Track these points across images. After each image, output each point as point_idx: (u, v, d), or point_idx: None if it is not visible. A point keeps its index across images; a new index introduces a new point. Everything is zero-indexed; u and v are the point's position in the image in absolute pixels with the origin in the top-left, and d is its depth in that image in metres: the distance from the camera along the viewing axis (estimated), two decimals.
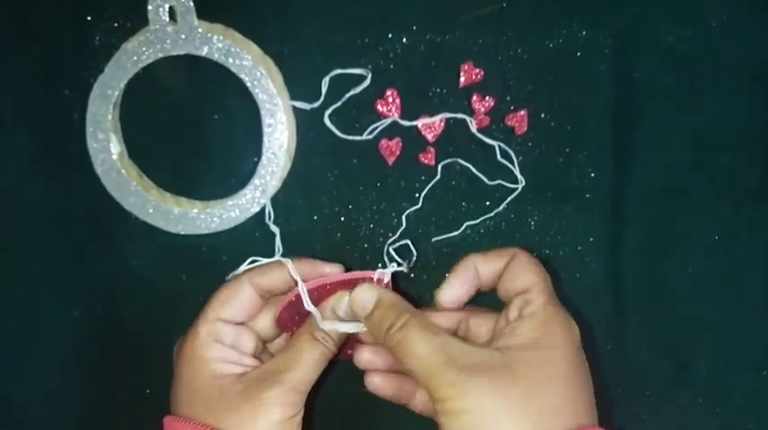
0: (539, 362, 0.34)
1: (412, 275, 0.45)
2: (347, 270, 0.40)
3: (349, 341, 0.41)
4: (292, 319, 0.40)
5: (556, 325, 0.36)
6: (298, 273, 0.39)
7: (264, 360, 0.40)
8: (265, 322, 0.41)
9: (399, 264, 0.41)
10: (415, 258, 0.43)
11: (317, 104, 0.43)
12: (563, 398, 0.34)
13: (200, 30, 0.42)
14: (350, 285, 0.39)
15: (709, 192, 0.44)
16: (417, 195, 0.44)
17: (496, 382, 0.33)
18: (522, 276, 0.37)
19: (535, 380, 0.33)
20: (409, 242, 0.44)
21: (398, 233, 0.44)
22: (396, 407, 0.41)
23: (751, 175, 0.44)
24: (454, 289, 0.39)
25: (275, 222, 0.44)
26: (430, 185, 0.44)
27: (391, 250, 0.43)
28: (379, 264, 0.44)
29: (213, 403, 0.36)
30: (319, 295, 0.40)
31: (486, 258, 0.39)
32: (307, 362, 0.37)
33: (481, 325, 0.39)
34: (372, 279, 0.39)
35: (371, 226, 0.45)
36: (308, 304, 0.39)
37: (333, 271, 0.40)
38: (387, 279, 0.39)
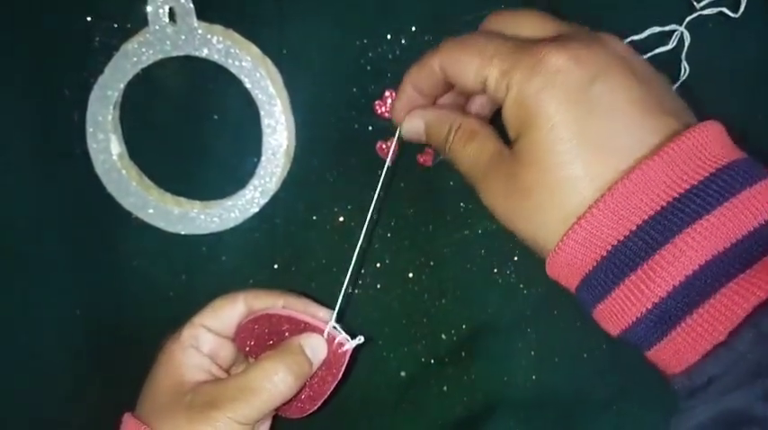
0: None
1: (411, 275, 0.45)
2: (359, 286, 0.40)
3: (298, 395, 0.39)
4: (250, 339, 0.39)
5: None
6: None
7: None
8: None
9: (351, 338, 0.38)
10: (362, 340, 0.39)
11: None
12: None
13: (199, 31, 0.42)
14: (309, 330, 0.38)
15: None
16: (416, 196, 0.44)
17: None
18: (466, 66, 0.32)
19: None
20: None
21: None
22: (394, 408, 0.41)
23: None
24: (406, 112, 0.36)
25: (273, 221, 0.44)
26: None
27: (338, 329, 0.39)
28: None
29: (163, 407, 0.36)
30: (272, 323, 0.39)
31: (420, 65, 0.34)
32: (256, 398, 0.36)
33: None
34: (324, 331, 0.38)
35: (371, 227, 0.45)
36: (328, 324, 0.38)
37: (324, 316, 0.39)
38: (347, 347, 0.37)
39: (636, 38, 0.41)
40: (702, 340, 0.27)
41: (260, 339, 0.39)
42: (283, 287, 0.45)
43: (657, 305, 0.27)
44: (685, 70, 0.42)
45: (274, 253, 0.45)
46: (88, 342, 0.47)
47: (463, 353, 0.45)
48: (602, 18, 0.41)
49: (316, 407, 0.40)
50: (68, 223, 0.46)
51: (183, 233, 0.45)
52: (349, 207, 0.45)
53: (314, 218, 0.45)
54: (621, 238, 0.28)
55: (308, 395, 0.39)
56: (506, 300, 0.45)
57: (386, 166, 0.40)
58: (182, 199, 0.46)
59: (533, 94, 0.29)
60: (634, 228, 0.27)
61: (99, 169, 0.45)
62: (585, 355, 0.45)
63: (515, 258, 0.45)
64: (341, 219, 0.45)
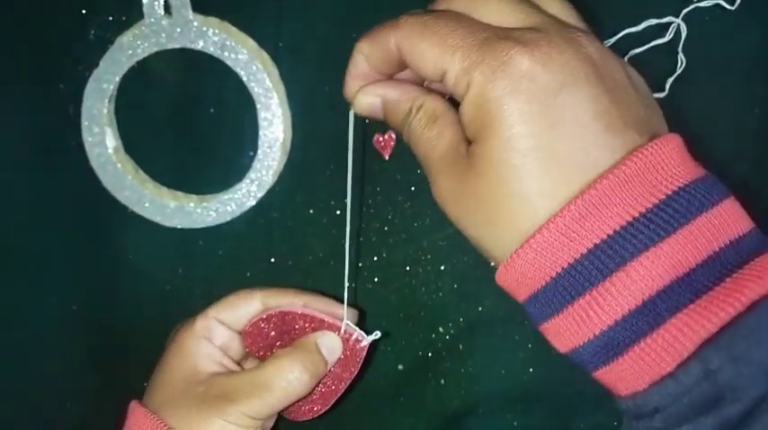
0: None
1: (408, 269, 0.45)
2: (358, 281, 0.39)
3: (310, 395, 0.39)
4: (259, 339, 0.40)
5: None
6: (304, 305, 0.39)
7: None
8: None
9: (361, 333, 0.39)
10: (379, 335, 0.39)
11: None
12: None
13: (195, 23, 0.42)
14: (323, 327, 0.38)
15: None
16: (413, 189, 0.44)
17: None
18: (424, 61, 0.29)
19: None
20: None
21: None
22: (391, 401, 0.41)
23: (739, 170, 0.45)
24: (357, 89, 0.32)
25: (270, 215, 0.44)
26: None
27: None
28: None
29: (174, 396, 0.36)
30: (284, 322, 0.39)
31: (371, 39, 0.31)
32: (271, 395, 0.36)
33: None
34: (340, 328, 0.38)
35: (368, 220, 0.45)
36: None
37: (342, 313, 0.39)
38: (364, 343, 0.38)
39: (633, 30, 0.41)
40: (649, 370, 0.26)
41: (268, 339, 0.39)
42: (280, 281, 0.45)
43: (605, 332, 0.26)
44: (682, 62, 0.42)
45: (271, 246, 0.45)
46: (84, 336, 0.47)
47: (460, 347, 0.45)
48: (598, 9, 0.41)
49: (327, 408, 0.40)
50: (63, 217, 0.46)
51: (179, 227, 0.45)
52: (346, 200, 0.45)
53: (311, 211, 0.45)
54: (572, 261, 0.26)
55: (321, 393, 0.39)
56: (503, 293, 0.45)
57: (350, 152, 0.36)
58: (178, 192, 0.45)
59: (494, 98, 0.26)
60: (585, 251, 0.26)
61: (94, 163, 0.45)
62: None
63: None
64: (338, 212, 0.45)
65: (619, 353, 0.26)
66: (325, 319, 0.38)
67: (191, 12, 0.42)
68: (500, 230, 0.27)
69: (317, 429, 0.45)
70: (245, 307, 0.39)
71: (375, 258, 0.45)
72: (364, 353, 0.38)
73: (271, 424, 0.41)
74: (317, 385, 0.38)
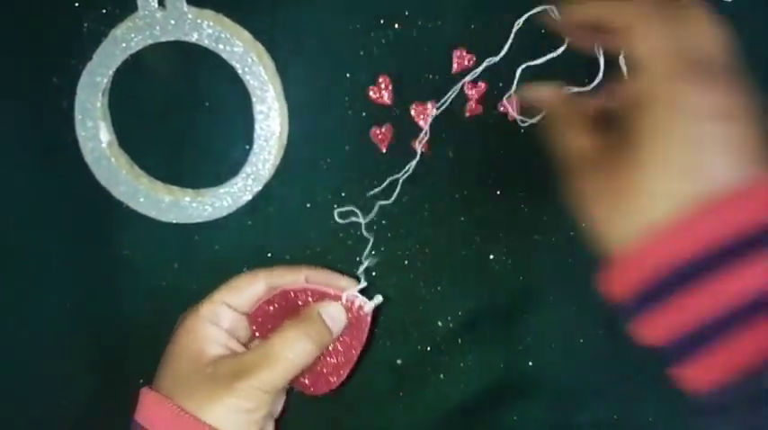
0: None
1: (406, 262, 0.45)
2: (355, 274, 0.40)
3: (310, 370, 0.40)
4: (266, 319, 0.40)
5: None
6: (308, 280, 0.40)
7: None
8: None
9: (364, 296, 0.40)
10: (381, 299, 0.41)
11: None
12: None
13: (189, 16, 0.42)
14: (327, 298, 0.39)
15: None
16: (410, 182, 0.44)
17: None
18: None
19: None
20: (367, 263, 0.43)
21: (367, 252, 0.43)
22: (390, 395, 0.41)
23: None
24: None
25: (266, 209, 0.44)
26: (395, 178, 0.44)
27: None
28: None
29: (183, 378, 0.37)
30: (287, 299, 0.39)
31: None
32: (279, 364, 0.37)
33: None
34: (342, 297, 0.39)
35: (365, 214, 0.44)
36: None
37: (347, 285, 0.40)
38: (368, 309, 0.39)
39: None
40: (730, 368, 0.28)
41: (275, 319, 0.39)
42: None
43: (701, 327, 0.28)
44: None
45: (268, 241, 0.45)
46: (79, 332, 0.47)
47: (459, 340, 0.45)
48: None
49: (343, 378, 0.40)
50: (57, 213, 0.46)
51: (174, 222, 0.45)
52: (343, 194, 0.44)
53: (307, 205, 0.45)
54: (692, 258, 0.28)
55: (334, 365, 0.40)
56: (502, 286, 0.45)
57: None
58: (173, 187, 0.45)
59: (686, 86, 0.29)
60: (704, 252, 0.28)
61: (88, 157, 0.44)
62: (583, 341, 0.45)
63: (511, 244, 0.44)
64: (335, 206, 0.44)
65: (711, 349, 0.28)
66: (328, 291, 0.39)
67: (185, 4, 0.42)
68: (629, 218, 0.30)
69: (317, 424, 0.45)
70: (250, 289, 0.40)
71: (373, 252, 0.45)
72: (369, 319, 0.39)
73: (279, 406, 0.41)
74: (330, 357, 0.39)
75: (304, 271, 0.41)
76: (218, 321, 0.39)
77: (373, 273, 0.45)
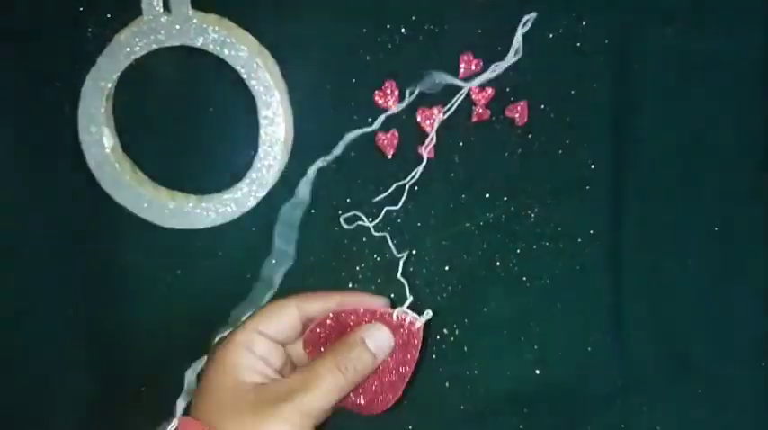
0: None
1: (411, 269, 0.44)
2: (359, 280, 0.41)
3: (363, 390, 0.40)
4: (318, 344, 0.40)
5: None
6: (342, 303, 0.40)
7: None
8: (300, 349, 0.41)
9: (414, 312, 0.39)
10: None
11: None
12: None
13: (194, 20, 0.42)
14: (376, 319, 0.39)
15: (709, 185, 0.44)
16: (417, 188, 0.43)
17: None
18: None
19: None
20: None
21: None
22: (395, 404, 0.41)
23: (750, 168, 0.44)
24: None
25: (271, 217, 0.44)
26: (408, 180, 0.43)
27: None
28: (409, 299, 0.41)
29: (225, 407, 0.36)
30: (339, 322, 0.39)
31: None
32: (322, 389, 0.36)
33: None
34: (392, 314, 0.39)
35: (370, 219, 0.44)
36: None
37: (380, 302, 0.40)
38: (419, 324, 0.39)
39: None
40: None
41: (327, 343, 0.39)
42: (281, 283, 0.44)
43: None
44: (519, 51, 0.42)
45: (272, 247, 0.44)
46: (82, 338, 0.46)
47: (465, 348, 0.45)
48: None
49: (399, 395, 0.40)
50: (60, 218, 0.45)
51: (177, 228, 0.44)
52: (348, 200, 0.44)
53: (312, 211, 0.44)
54: None
55: (390, 382, 0.39)
56: (508, 293, 0.44)
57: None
58: (176, 193, 0.45)
59: None
60: None
61: (91, 163, 0.44)
62: (589, 349, 0.44)
63: (518, 251, 0.44)
64: (339, 212, 0.44)
65: None
66: (377, 310, 0.39)
67: (190, 8, 0.41)
68: None
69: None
70: (282, 315, 0.40)
71: (378, 258, 0.44)
72: (421, 335, 0.39)
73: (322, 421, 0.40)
74: (384, 375, 0.39)
75: (336, 296, 0.40)
76: (253, 348, 0.39)
77: (378, 280, 0.45)
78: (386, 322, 0.38)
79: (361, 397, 0.40)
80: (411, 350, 0.39)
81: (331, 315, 0.39)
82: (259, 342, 0.39)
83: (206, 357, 0.39)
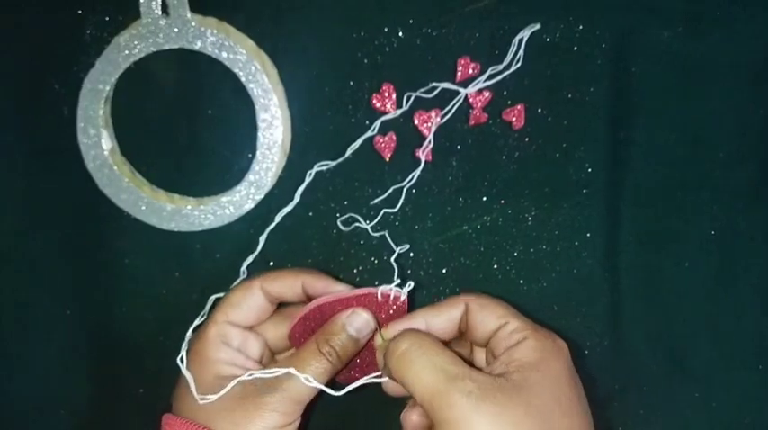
0: (543, 385, 0.33)
1: (409, 272, 0.44)
2: (357, 283, 0.40)
3: (353, 362, 0.40)
4: (304, 334, 0.40)
5: (550, 345, 0.35)
6: (311, 289, 0.39)
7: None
8: (275, 332, 0.41)
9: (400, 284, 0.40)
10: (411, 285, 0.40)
11: None
12: (571, 420, 0.33)
13: (193, 23, 0.42)
14: (360, 302, 0.39)
15: (706, 188, 0.44)
16: (414, 190, 0.44)
17: (507, 410, 0.32)
18: (491, 315, 0.37)
19: (544, 405, 0.32)
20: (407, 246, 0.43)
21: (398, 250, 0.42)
22: (395, 406, 0.41)
23: (747, 171, 0.44)
24: None
25: (269, 219, 0.44)
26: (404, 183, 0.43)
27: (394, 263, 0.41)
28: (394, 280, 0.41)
29: (210, 404, 0.36)
30: (323, 312, 0.39)
31: (437, 311, 0.38)
32: (308, 374, 0.36)
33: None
34: (376, 294, 0.38)
35: (367, 222, 0.44)
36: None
37: (343, 289, 0.39)
38: (403, 297, 0.39)
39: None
40: None
41: (311, 333, 0.39)
42: None
43: None
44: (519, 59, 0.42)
45: (270, 249, 0.44)
46: (79, 341, 0.47)
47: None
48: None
49: None
50: (59, 220, 0.45)
51: (176, 230, 0.44)
52: (345, 203, 0.44)
53: (310, 214, 0.44)
54: None
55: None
56: (506, 295, 0.44)
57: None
58: (175, 195, 0.45)
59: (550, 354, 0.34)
60: None
61: (90, 165, 0.44)
62: (587, 352, 0.45)
63: (515, 254, 0.44)
64: (337, 214, 0.44)
65: None
66: (360, 293, 0.39)
67: (188, 11, 0.42)
68: None
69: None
70: (250, 301, 0.39)
71: (375, 261, 0.45)
72: (406, 307, 0.39)
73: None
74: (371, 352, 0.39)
75: (300, 275, 0.40)
76: (228, 341, 0.39)
77: (375, 282, 0.45)
78: (372, 302, 0.39)
79: (355, 370, 0.41)
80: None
81: (314, 307, 0.39)
82: (233, 333, 0.39)
83: (182, 350, 0.39)
